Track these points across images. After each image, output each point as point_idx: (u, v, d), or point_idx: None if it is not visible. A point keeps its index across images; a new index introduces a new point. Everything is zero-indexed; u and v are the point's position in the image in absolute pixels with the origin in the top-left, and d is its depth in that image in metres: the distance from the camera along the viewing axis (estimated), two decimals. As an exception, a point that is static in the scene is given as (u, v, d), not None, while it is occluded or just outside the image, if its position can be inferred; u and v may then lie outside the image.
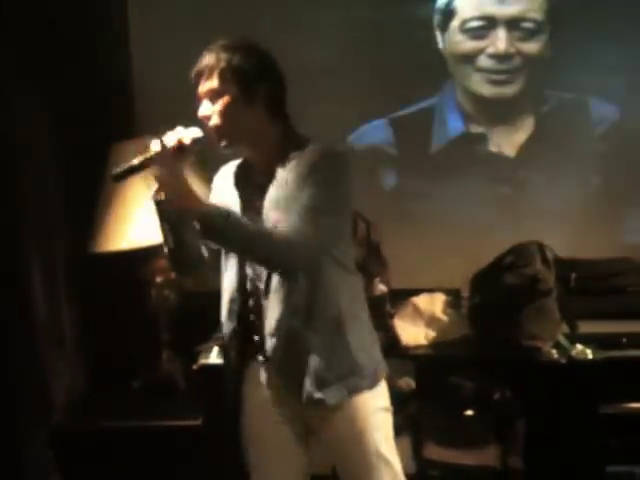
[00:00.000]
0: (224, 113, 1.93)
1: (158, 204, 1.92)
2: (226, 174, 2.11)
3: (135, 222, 2.76)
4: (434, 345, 2.87)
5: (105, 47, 3.04)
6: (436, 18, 3.27)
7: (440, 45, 3.28)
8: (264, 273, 1.98)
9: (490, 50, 3.25)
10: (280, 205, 1.93)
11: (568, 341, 2.79)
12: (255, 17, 3.14)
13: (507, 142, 3.36)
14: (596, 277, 3.05)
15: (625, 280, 3.05)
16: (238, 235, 1.87)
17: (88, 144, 2.91)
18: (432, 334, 2.87)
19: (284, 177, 1.94)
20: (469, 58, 3.27)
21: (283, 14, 3.22)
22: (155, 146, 1.87)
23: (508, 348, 2.75)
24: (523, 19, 3.23)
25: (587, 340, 2.78)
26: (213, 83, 1.93)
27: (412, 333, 2.86)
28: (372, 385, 2.02)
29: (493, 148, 3.36)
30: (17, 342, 2.60)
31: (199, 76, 1.95)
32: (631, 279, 3.06)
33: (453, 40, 3.27)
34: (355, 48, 3.27)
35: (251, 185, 2.03)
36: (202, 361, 2.75)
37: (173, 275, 2.97)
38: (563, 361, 2.72)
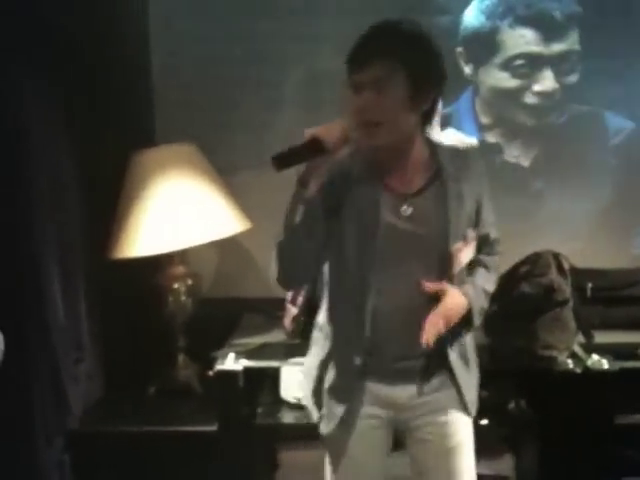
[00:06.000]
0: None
1: None
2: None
3: (153, 229, 2.79)
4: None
5: (126, 51, 3.06)
6: (469, 49, 3.23)
7: (466, 72, 3.25)
8: None
9: (537, 88, 3.24)
10: None
11: (584, 351, 2.79)
12: (272, 27, 3.16)
13: (523, 152, 3.36)
14: (612, 287, 3.05)
15: (641, 290, 3.06)
16: None
17: (108, 152, 2.93)
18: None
19: None
20: (513, 94, 3.26)
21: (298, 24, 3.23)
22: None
23: (523, 357, 2.74)
24: (568, 55, 3.23)
25: (603, 350, 2.77)
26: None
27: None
28: None
29: (509, 158, 3.36)
30: (35, 347, 2.62)
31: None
32: (647, 289, 3.06)
33: (494, 75, 3.25)
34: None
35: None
36: (218, 367, 2.76)
37: (189, 281, 3.01)
38: (578, 371, 2.71)
